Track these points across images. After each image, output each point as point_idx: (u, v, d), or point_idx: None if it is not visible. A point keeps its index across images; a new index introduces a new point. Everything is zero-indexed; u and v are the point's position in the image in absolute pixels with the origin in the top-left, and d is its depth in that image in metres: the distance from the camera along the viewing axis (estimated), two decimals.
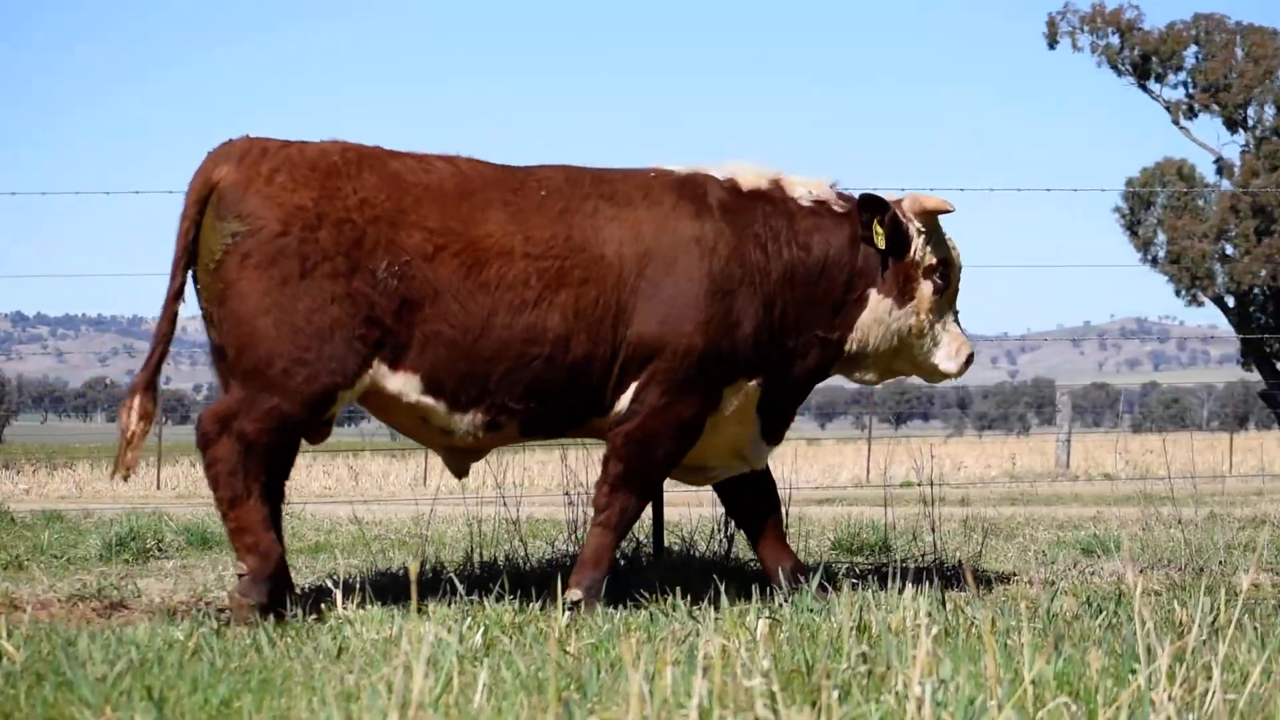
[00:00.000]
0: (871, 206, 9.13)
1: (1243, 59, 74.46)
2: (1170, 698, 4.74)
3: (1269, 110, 74.69)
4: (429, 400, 8.56)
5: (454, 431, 8.74)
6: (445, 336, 8.46)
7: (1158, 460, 26.30)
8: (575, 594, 8.54)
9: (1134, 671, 5.13)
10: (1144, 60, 75.30)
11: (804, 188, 9.28)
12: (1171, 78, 75.70)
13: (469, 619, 7.58)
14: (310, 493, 24.62)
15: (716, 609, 7.60)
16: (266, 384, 8.30)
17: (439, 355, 8.48)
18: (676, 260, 8.77)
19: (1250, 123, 74.94)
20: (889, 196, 9.35)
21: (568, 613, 7.86)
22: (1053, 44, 76.00)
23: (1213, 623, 5.87)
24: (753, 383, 9.00)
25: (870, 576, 9.49)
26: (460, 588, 8.38)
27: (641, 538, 10.67)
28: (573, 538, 10.73)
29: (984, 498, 21.62)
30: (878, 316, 9.23)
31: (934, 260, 9.27)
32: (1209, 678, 4.81)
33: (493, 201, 8.67)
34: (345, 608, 8.05)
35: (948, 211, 9.33)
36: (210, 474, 8.33)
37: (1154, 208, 74.36)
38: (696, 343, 8.71)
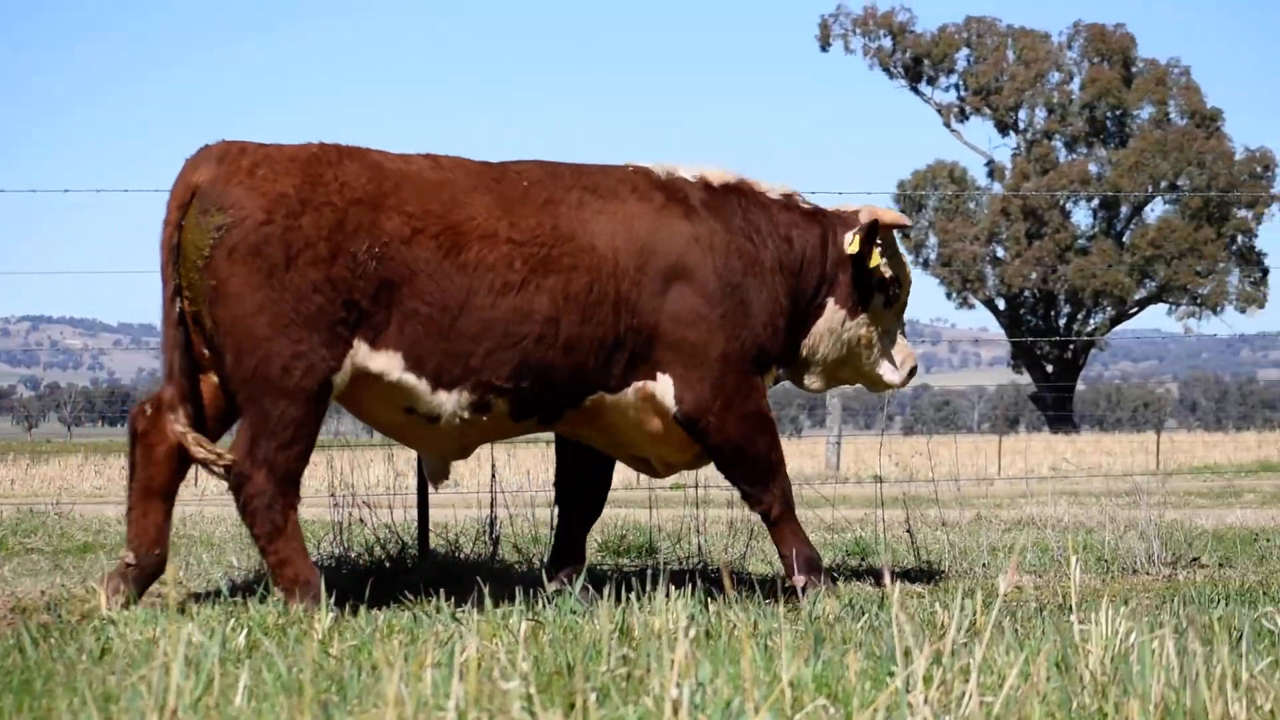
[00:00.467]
0: (871, 227, 9.41)
1: (1014, 62, 75.86)
2: (926, 700, 4.74)
3: (1040, 113, 76.17)
4: (411, 378, 8.55)
5: (440, 415, 8.70)
6: (423, 314, 8.51)
7: (927, 462, 26.66)
8: (800, 580, 8.98)
9: (892, 674, 5.13)
10: (916, 63, 76.42)
11: (769, 186, 9.51)
12: (943, 80, 76.99)
13: (232, 620, 7.48)
14: (80, 493, 24.11)
15: (480, 611, 7.52)
16: (270, 388, 8.28)
17: (418, 333, 8.51)
18: (682, 262, 9.00)
19: (1021, 126, 76.37)
20: (846, 208, 9.58)
21: (796, 599, 8.33)
22: (825, 46, 76.85)
23: (971, 625, 5.89)
24: (777, 369, 9.41)
25: (635, 579, 9.46)
26: (225, 589, 8.22)
27: (407, 539, 10.57)
28: (339, 540, 10.59)
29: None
30: (831, 325, 9.47)
31: (888, 274, 9.50)
32: (967, 680, 4.82)
33: (476, 188, 8.81)
34: (110, 608, 7.93)
35: (906, 227, 9.71)
36: (246, 510, 8.27)
37: (926, 210, 75.49)
38: (726, 340, 8.99)
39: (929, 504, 13.78)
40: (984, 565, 10.45)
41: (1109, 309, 74.91)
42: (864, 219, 9.46)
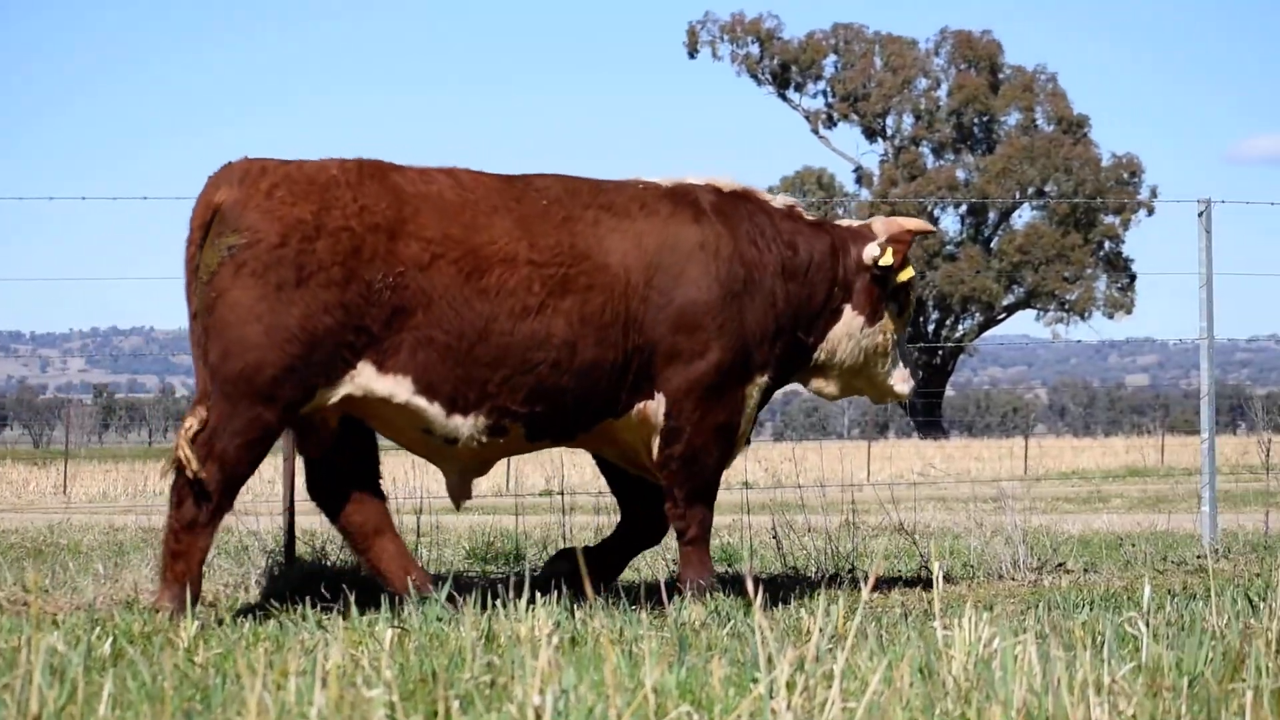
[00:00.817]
0: (894, 239, 9.59)
1: (881, 68, 76.31)
2: (790, 706, 4.74)
3: (907, 119, 76.69)
4: (422, 402, 8.66)
5: (457, 438, 8.84)
6: (439, 341, 8.61)
7: (795, 468, 26.80)
8: (691, 600, 8.79)
9: (755, 680, 5.13)
10: (784, 69, 76.72)
11: (774, 198, 9.68)
12: (811, 87, 77.35)
13: (98, 629, 7.43)
14: None
15: (345, 619, 7.47)
16: (251, 392, 8.37)
17: (432, 359, 8.60)
18: (685, 269, 9.08)
19: (889, 132, 76.86)
20: (854, 222, 9.83)
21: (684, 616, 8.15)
22: (693, 53, 77.03)
23: (835, 631, 5.90)
24: (765, 378, 9.38)
25: (502, 586, 9.42)
26: (92, 596, 8.14)
27: (271, 544, 10.50)
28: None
29: (618, 506, 21.77)
30: (849, 331, 9.59)
31: (901, 282, 9.67)
32: (830, 686, 4.82)
33: (496, 209, 8.87)
34: None
35: (930, 233, 9.93)
36: (180, 494, 8.34)
37: None
38: (713, 349, 9.06)
39: (797, 510, 13.83)
40: (849, 571, 10.48)
41: (977, 315, 75.59)
42: (880, 229, 9.67)
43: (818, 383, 9.81)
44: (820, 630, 5.46)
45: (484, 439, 8.86)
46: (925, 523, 15.24)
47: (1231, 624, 6.10)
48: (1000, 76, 77.05)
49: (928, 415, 70.87)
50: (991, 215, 75.25)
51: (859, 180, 77.34)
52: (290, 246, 8.43)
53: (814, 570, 10.74)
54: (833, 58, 76.91)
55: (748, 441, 9.69)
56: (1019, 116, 76.27)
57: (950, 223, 76.51)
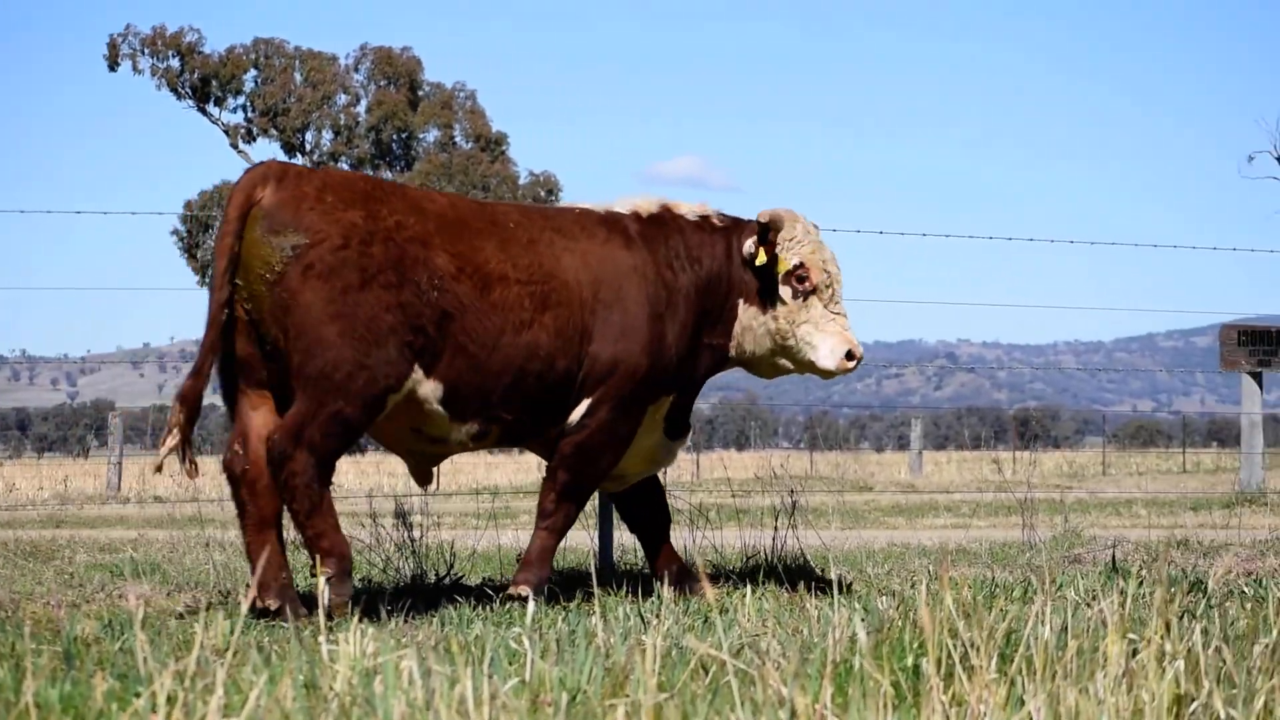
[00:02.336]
0: (761, 231, 9.90)
1: (302, 83, 75.95)
2: (168, 718, 4.70)
3: (326, 135, 76.52)
4: (440, 409, 9.18)
5: (449, 440, 9.41)
6: (468, 351, 9.12)
7: (209, 483, 26.49)
8: (524, 590, 9.31)
9: (138, 694, 5.06)
10: (204, 83, 75.61)
11: (688, 208, 10.13)
12: (231, 101, 76.38)
13: None
14: None
15: None
16: (331, 388, 8.72)
17: (460, 368, 9.12)
18: (623, 288, 9.63)
19: (309, 147, 76.53)
20: (764, 215, 9.89)
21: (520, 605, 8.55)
22: (114, 66, 75.23)
23: (224, 645, 5.84)
24: (671, 396, 9.96)
25: None
26: None
27: None
28: None
29: (31, 520, 21.25)
30: (745, 324, 10.03)
31: (790, 265, 9.88)
32: (209, 700, 4.77)
33: (482, 231, 9.37)
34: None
35: (778, 223, 9.89)
36: (287, 487, 8.71)
37: (213, 231, 74.70)
38: (643, 364, 9.61)
39: (214, 524, 13.64)
40: (246, 586, 10.40)
41: None
42: (759, 220, 9.94)
43: (753, 371, 10.31)
44: (203, 644, 5.39)
45: (469, 442, 9.47)
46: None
47: (618, 641, 6.26)
48: (420, 93, 77.63)
49: None
50: None
51: None
52: (352, 249, 8.83)
53: (212, 584, 10.61)
54: (253, 72, 76.19)
55: (686, 436, 10.33)
56: (438, 133, 77.02)
57: None
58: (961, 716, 4.87)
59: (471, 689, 4.84)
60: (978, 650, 5.06)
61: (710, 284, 9.97)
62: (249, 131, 76.57)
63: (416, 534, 11.20)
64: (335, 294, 8.74)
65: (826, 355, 9.92)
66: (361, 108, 77.15)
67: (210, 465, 16.63)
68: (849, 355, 9.92)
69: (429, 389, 9.08)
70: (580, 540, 13.22)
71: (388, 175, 76.00)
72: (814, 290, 9.93)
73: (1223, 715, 4.91)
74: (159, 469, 8.95)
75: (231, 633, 5.64)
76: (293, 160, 76.13)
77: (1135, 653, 5.30)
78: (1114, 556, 12.01)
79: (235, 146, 76.66)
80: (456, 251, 9.16)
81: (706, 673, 5.47)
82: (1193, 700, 5.06)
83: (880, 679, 5.05)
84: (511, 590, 9.45)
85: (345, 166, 76.32)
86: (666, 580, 10.01)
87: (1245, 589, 9.01)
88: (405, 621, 8.32)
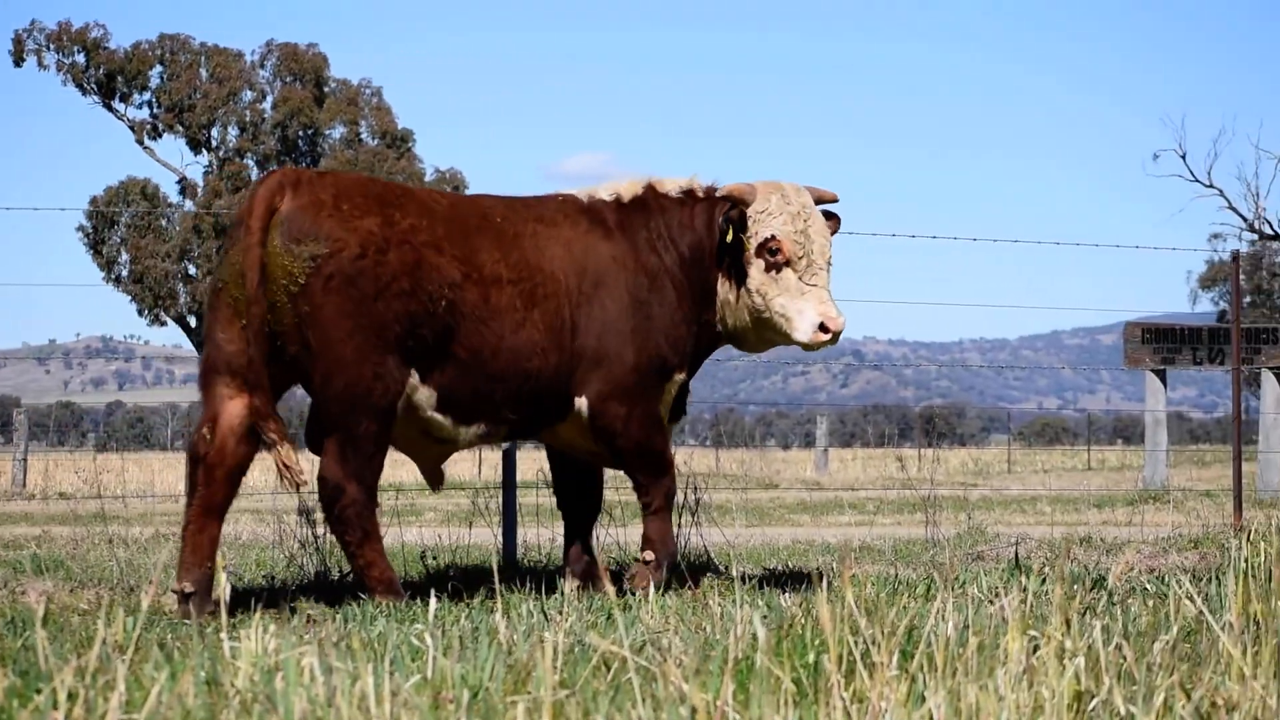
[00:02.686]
0: (727, 207, 9.92)
1: (207, 80, 75.48)
2: (69, 716, 4.67)
3: (232, 131, 76.06)
4: (439, 416, 9.30)
5: (455, 441, 9.55)
6: (461, 359, 9.22)
7: (112, 479, 26.29)
8: (649, 556, 9.84)
9: (39, 691, 5.02)
10: (109, 79, 75.01)
11: (674, 184, 10.15)
12: (137, 97, 75.79)
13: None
14: None
15: None
16: (359, 407, 8.90)
17: (453, 375, 9.22)
18: (604, 279, 9.70)
19: (214, 144, 76.07)
20: (724, 189, 9.97)
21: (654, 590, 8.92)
22: (19, 62, 74.51)
23: (126, 641, 5.81)
24: (682, 375, 10.04)
25: None
26: None
27: None
28: None
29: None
30: (723, 299, 10.04)
31: (762, 239, 9.82)
32: (110, 697, 4.75)
33: (477, 229, 9.44)
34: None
35: (743, 198, 9.84)
36: (340, 520, 8.99)
37: (118, 227, 74.17)
38: (628, 355, 9.68)
39: (118, 520, 13.54)
40: (151, 582, 10.32)
41: None
42: (721, 197, 10.02)
43: (741, 346, 10.38)
44: (105, 641, 5.35)
45: (475, 441, 9.68)
46: (238, 534, 15.13)
47: (520, 638, 6.25)
48: (326, 90, 77.29)
49: None
50: None
51: (183, 191, 76.24)
52: (369, 258, 8.90)
53: (115, 580, 10.52)
54: (159, 68, 75.62)
55: (681, 419, 10.45)
56: (344, 130, 76.71)
57: None
58: (863, 713, 4.89)
59: (373, 686, 4.84)
60: (879, 647, 5.07)
61: (695, 259, 10.01)
62: (154, 127, 75.98)
63: (320, 531, 11.14)
64: (354, 307, 8.85)
65: (801, 329, 9.84)
66: (267, 104, 76.71)
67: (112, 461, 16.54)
68: (822, 328, 9.83)
69: (424, 396, 9.22)
70: (484, 538, 13.19)
71: None
72: (787, 263, 9.86)
73: (1123, 712, 4.95)
74: (296, 485, 9.01)
75: (134, 630, 5.59)
76: (197, 156, 75.86)
77: (1036, 649, 5.33)
78: (1017, 554, 12.08)
79: (141, 143, 76.06)
80: (462, 256, 9.27)
81: (609, 670, 5.47)
82: (1093, 697, 5.09)
83: (781, 676, 5.07)
84: (640, 557, 9.95)
85: (251, 163, 75.92)
86: (569, 576, 10.04)
87: (1148, 586, 9.09)
88: (308, 619, 8.28)
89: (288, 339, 8.88)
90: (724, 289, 10.04)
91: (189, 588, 8.76)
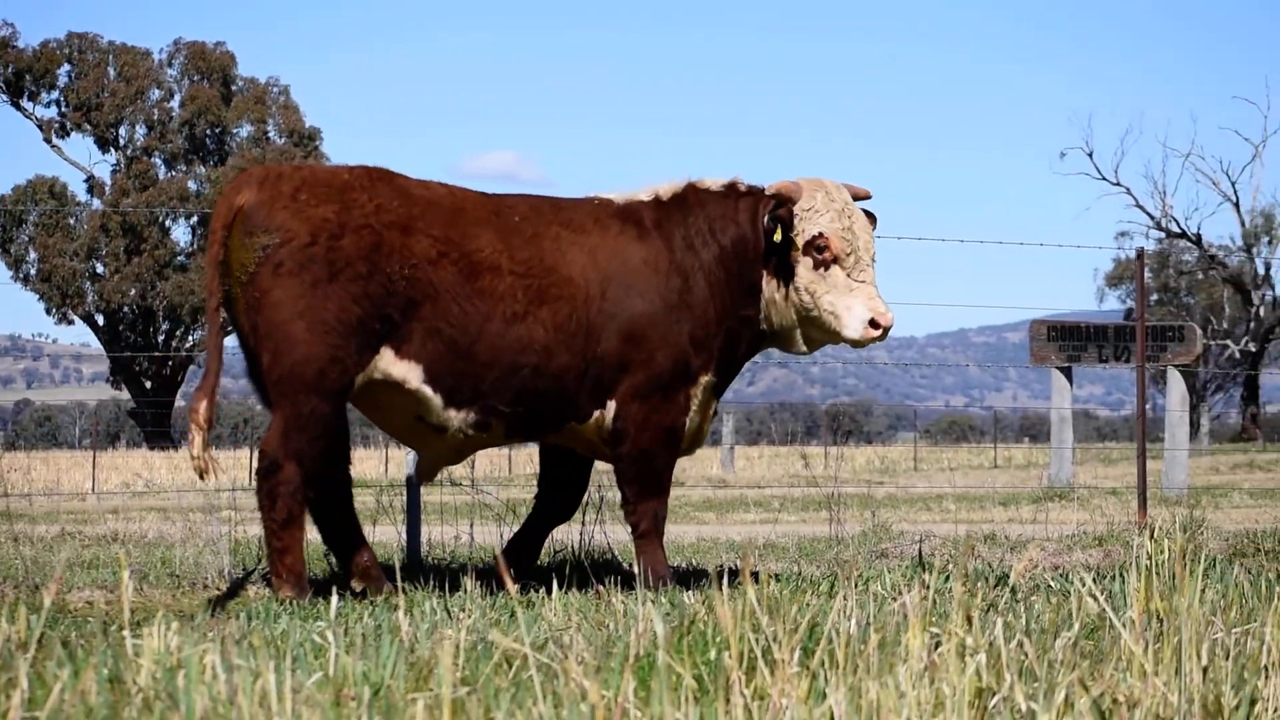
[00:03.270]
0: (774, 205, 9.90)
1: (115, 78, 75.10)
2: None
3: (140, 130, 75.71)
4: (427, 390, 9.44)
5: (448, 428, 9.63)
6: (445, 334, 9.37)
7: (19, 478, 26.11)
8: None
9: None
10: (18, 78, 74.57)
11: (715, 182, 10.17)
12: (45, 96, 75.44)
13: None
14: None
15: None
16: (304, 386, 9.12)
17: (439, 350, 9.37)
18: (632, 283, 9.74)
19: (122, 142, 75.67)
20: (772, 187, 9.93)
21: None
22: None
23: (24, 639, 5.77)
24: (709, 376, 9.98)
25: None
26: None
27: None
28: None
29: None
30: (769, 297, 10.04)
31: (809, 237, 9.83)
32: (11, 695, 4.72)
33: (481, 220, 9.58)
34: None
35: (791, 193, 9.84)
36: (270, 495, 9.11)
37: (26, 225, 73.62)
38: (658, 359, 9.72)
39: (24, 519, 13.44)
40: (54, 579, 10.23)
41: (207, 326, 75.13)
42: (769, 195, 9.99)
43: (786, 346, 10.32)
44: (7, 639, 5.33)
45: (470, 432, 9.66)
46: (144, 532, 15.04)
47: (423, 635, 6.24)
48: (234, 89, 76.99)
49: (157, 426, 69.90)
50: None
51: (91, 190, 75.73)
52: (320, 244, 9.16)
53: (20, 579, 10.44)
54: (67, 67, 75.12)
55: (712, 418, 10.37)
56: (251, 128, 76.41)
57: (182, 234, 75.78)
58: (763, 710, 4.90)
59: (275, 684, 4.82)
60: (780, 644, 5.09)
61: (737, 253, 10.02)
62: (63, 126, 75.49)
63: (225, 529, 11.09)
64: (303, 290, 9.13)
65: (851, 324, 9.89)
66: (175, 103, 76.38)
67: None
68: (873, 323, 9.88)
69: (405, 370, 9.37)
70: (388, 535, 13.16)
71: (201, 170, 75.23)
72: (835, 260, 9.89)
73: (1024, 709, 4.98)
74: (205, 474, 9.10)
75: (36, 627, 5.56)
76: (105, 155, 75.33)
77: (938, 646, 5.35)
78: (920, 551, 12.15)
79: (49, 141, 75.56)
80: (442, 236, 9.41)
81: (510, 667, 5.48)
82: (994, 693, 5.12)
83: (682, 673, 5.08)
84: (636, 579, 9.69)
85: (159, 161, 75.53)
86: (502, 562, 9.99)
87: (1051, 583, 9.15)
88: (212, 616, 8.25)
89: (242, 328, 9.28)
90: (770, 288, 10.06)
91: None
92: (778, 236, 9.91)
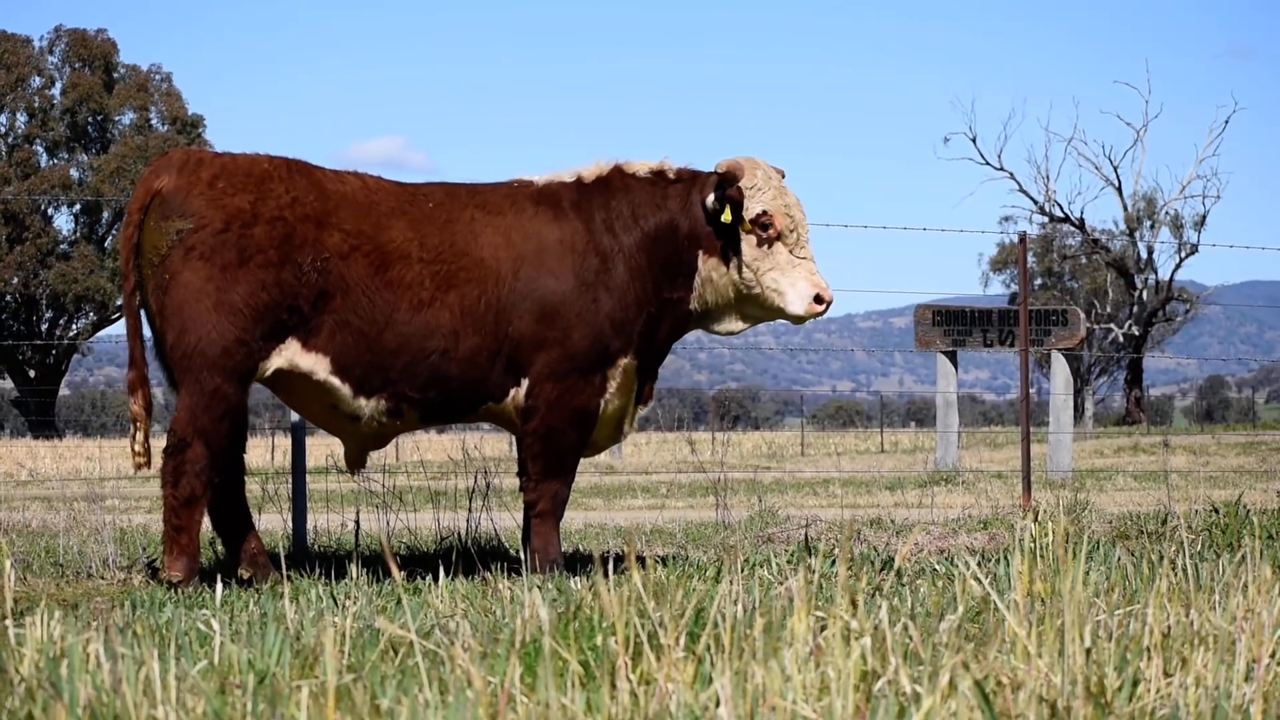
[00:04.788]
0: (720, 184, 9.91)
1: None
2: None
3: (21, 118, 74.92)
4: (335, 381, 9.52)
5: (360, 417, 9.70)
6: (354, 326, 9.45)
7: None
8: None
9: None
10: None
11: (643, 166, 10.14)
12: None
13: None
14: None
15: None
16: (207, 365, 9.22)
17: (347, 342, 9.45)
18: (546, 263, 9.77)
19: (2, 130, 74.85)
20: (723, 164, 9.84)
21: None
22: None
23: None
24: (628, 359, 9.96)
25: None
26: None
27: None
28: None
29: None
30: (705, 276, 10.05)
31: (754, 215, 9.90)
32: None
33: (394, 211, 9.67)
34: None
35: (734, 177, 9.84)
36: (175, 473, 9.18)
37: None
38: (573, 338, 9.74)
39: None
40: None
41: (91, 314, 74.55)
42: (717, 171, 9.95)
43: (715, 326, 10.26)
44: None
45: (383, 419, 9.74)
46: (28, 521, 14.88)
47: (308, 623, 6.21)
48: (115, 76, 76.36)
49: (41, 415, 69.18)
50: (105, 215, 74.34)
51: None
52: (232, 231, 9.28)
53: None
54: None
55: (649, 401, 10.38)
56: (134, 116, 75.81)
57: (64, 222, 75.23)
58: (650, 695, 4.91)
59: (159, 672, 4.79)
60: (666, 629, 5.10)
61: (661, 239, 10.00)
62: None
63: (110, 518, 11.00)
64: (213, 273, 9.23)
65: (795, 300, 9.96)
66: (56, 90, 75.68)
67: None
68: (817, 299, 9.96)
69: (312, 361, 9.45)
70: (274, 523, 13.09)
71: (83, 158, 74.55)
72: (778, 237, 9.95)
73: (909, 691, 5.01)
74: (141, 466, 9.40)
75: None
76: None
77: (824, 630, 5.38)
78: (807, 536, 12.21)
79: None
80: (354, 230, 9.49)
81: (397, 654, 5.47)
82: (879, 676, 5.14)
83: (569, 658, 5.09)
84: (526, 558, 9.91)
85: (40, 149, 74.79)
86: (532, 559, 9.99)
87: (936, 567, 9.22)
88: (95, 605, 8.18)
89: (151, 308, 9.40)
90: (707, 265, 10.07)
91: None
92: (726, 217, 9.94)
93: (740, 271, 9.99)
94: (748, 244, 9.97)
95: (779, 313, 10.10)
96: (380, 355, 9.50)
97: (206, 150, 9.85)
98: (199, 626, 6.47)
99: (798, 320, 10.11)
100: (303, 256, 9.37)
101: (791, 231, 9.99)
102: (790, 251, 9.99)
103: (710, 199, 9.97)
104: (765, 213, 9.95)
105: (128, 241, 9.43)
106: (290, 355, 9.44)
